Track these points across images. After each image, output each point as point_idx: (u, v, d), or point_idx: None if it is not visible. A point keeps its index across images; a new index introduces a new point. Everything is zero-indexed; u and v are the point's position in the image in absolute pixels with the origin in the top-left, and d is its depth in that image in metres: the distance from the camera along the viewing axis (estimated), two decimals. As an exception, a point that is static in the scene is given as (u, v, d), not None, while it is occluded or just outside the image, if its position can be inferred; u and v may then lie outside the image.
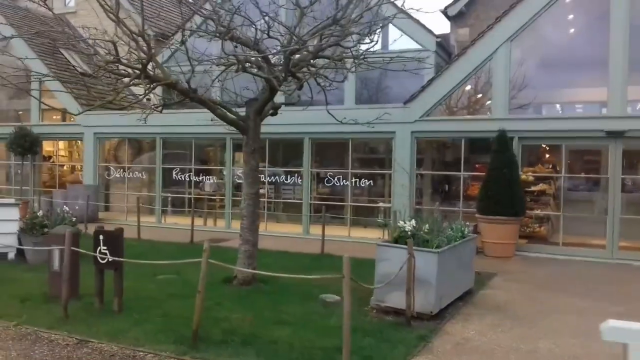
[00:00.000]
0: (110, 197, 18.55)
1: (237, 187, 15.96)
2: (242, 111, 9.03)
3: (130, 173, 17.60)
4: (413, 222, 7.49)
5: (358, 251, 12.14)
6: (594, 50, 12.35)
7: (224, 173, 16.33)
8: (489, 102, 13.44)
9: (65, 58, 19.75)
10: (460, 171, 13.61)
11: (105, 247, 6.76)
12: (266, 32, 7.81)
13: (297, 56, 8.15)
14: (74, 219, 10.43)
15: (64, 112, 17.75)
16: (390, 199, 14.23)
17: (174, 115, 16.81)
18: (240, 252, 8.45)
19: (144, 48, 7.51)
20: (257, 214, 8.71)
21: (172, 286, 8.40)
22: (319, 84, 8.74)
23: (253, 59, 8.15)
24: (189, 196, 16.61)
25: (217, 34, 7.61)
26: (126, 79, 8.09)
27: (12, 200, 11.09)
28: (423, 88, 13.72)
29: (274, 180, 16.15)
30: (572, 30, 13.01)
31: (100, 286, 6.95)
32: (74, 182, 19.08)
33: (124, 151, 18.04)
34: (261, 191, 16.06)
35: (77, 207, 15.55)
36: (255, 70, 8.20)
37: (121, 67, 8.27)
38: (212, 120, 8.74)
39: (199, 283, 5.87)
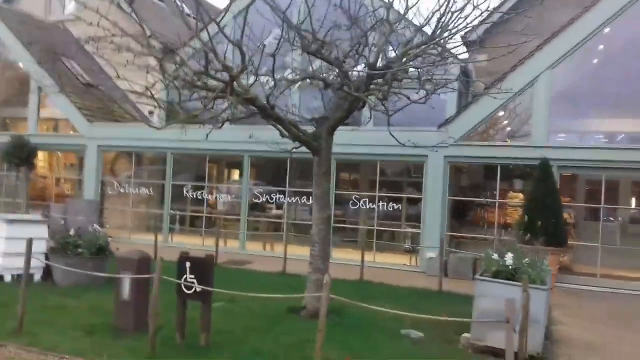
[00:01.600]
0: (111, 213, 17.55)
1: (252, 207, 15.31)
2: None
3: (136, 188, 16.69)
4: (511, 255, 7.03)
5: (395, 278, 11.70)
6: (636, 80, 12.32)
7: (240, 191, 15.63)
8: (523, 128, 13.25)
9: (66, 66, 18.77)
10: (495, 198, 13.31)
11: (192, 276, 6.06)
12: (355, 49, 7.32)
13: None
14: (109, 238, 9.60)
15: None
16: (419, 223, 13.82)
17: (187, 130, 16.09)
18: (310, 281, 7.84)
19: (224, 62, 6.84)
20: (329, 240, 8.12)
21: (234, 316, 7.72)
22: (383, 104, 8.24)
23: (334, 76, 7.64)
24: (202, 215, 15.83)
25: (311, 49, 7.05)
26: (207, 93, 7.35)
27: (38, 217, 10.18)
28: (458, 112, 13.43)
29: (293, 202, 15.52)
30: (613, 60, 12.95)
31: (183, 319, 6.23)
32: (60, 196, 18.14)
33: (128, 165, 17.15)
34: (279, 212, 15.60)
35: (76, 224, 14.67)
36: (343, 88, 7.60)
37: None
38: (281, 136, 8.09)
39: (320, 321, 5.24)
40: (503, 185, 13.42)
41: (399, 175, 16.11)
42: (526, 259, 7.05)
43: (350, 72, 7.62)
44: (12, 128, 18.75)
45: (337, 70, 7.62)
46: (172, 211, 16.16)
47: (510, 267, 6.89)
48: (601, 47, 12.79)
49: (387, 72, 7.28)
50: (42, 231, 9.39)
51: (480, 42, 18.35)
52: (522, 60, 12.93)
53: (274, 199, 15.37)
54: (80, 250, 9.12)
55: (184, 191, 16.21)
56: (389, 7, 7.32)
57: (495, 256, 7.15)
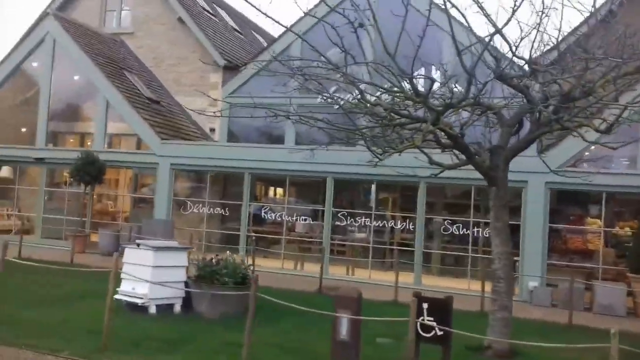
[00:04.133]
0: (184, 234, 17.09)
1: (334, 230, 14.95)
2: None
3: (211, 209, 16.28)
4: None
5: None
6: None
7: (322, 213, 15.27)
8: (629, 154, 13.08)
9: (131, 82, 18.39)
10: (600, 227, 13.10)
11: (430, 318, 5.73)
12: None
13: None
14: (251, 267, 9.21)
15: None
16: (519, 250, 13.54)
17: (264, 150, 15.80)
18: (496, 319, 7.51)
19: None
20: (513, 276, 7.80)
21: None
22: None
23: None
24: (283, 237, 15.47)
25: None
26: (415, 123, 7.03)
27: (174, 243, 9.76)
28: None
29: (381, 226, 15.18)
30: None
31: (417, 363, 5.88)
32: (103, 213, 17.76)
33: (203, 184, 16.75)
34: (363, 235, 15.26)
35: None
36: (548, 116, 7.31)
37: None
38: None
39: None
40: (608, 213, 13.19)
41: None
42: None
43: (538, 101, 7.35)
44: (76, 144, 18.30)
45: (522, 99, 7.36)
46: (251, 234, 15.73)
47: None
48: None
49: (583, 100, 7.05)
50: (183, 259, 9.00)
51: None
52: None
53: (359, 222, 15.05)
54: (226, 279, 8.73)
55: (262, 212, 15.85)
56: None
57: None
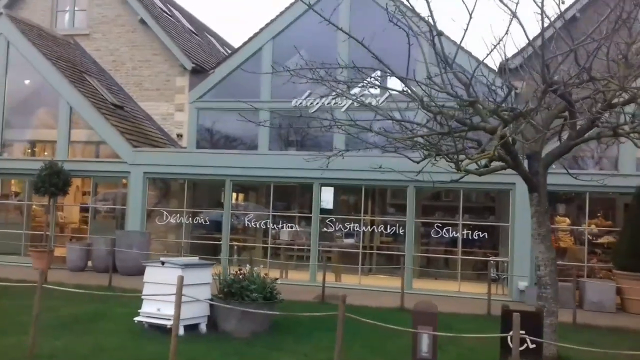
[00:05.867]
0: (161, 245, 16.33)
1: (322, 237, 14.72)
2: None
3: (189, 218, 15.61)
4: None
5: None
6: None
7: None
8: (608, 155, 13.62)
9: (94, 86, 17.35)
10: (584, 225, 13.60)
11: (522, 331, 5.64)
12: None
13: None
14: (277, 281, 8.82)
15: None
16: (505, 250, 13.86)
17: (245, 157, 15.35)
18: (546, 325, 7.54)
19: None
20: (557, 282, 7.84)
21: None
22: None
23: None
24: (268, 245, 15.07)
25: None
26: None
27: (195, 260, 9.18)
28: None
29: (371, 231, 15.10)
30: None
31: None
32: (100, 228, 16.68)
33: (179, 193, 16.04)
34: (352, 241, 15.11)
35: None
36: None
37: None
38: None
39: None
40: (591, 213, 13.72)
41: (482, 202, 16.14)
42: None
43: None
44: (39, 153, 17.06)
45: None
46: (233, 243, 15.23)
47: None
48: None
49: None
50: (208, 275, 8.50)
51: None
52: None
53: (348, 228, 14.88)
54: (255, 295, 8.32)
55: (246, 220, 15.39)
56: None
57: None
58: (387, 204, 17.15)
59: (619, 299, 12.56)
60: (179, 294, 6.13)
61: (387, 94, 14.17)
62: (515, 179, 13.34)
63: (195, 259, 9.17)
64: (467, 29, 6.37)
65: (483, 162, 7.12)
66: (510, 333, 5.66)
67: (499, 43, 6.31)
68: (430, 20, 6.56)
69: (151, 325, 8.21)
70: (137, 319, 8.29)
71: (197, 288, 8.25)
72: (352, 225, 14.70)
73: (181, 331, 8.07)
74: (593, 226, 14.34)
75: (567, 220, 14.60)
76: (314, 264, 14.36)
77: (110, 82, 18.84)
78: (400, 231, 14.35)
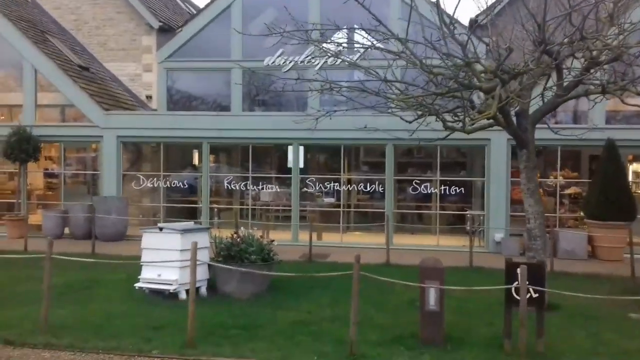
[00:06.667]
0: (139, 210, 16.20)
1: (302, 197, 14.86)
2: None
3: (167, 182, 15.47)
4: None
5: (489, 262, 12.03)
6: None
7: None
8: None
9: (57, 47, 16.72)
10: (556, 178, 14.14)
11: (527, 283, 5.95)
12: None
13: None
14: (273, 243, 8.95)
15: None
16: (479, 204, 14.35)
17: (223, 118, 15.23)
18: (536, 274, 7.94)
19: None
20: (546, 233, 8.23)
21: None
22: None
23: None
24: (247, 207, 15.14)
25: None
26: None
27: (192, 224, 9.19)
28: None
29: (350, 189, 15.33)
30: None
31: (511, 326, 6.11)
32: (73, 194, 16.38)
33: (156, 157, 15.83)
34: (332, 200, 15.32)
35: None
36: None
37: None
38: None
39: None
40: (562, 166, 14.26)
41: (453, 157, 16.47)
42: None
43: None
44: (6, 119, 16.46)
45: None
46: (213, 206, 15.23)
47: None
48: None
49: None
50: (206, 239, 8.56)
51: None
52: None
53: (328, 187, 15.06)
54: (254, 257, 8.45)
55: (225, 183, 15.39)
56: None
57: None
58: (362, 162, 17.36)
59: (590, 247, 13.21)
60: (194, 259, 6.21)
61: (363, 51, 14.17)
62: (490, 134, 13.77)
63: (191, 224, 9.19)
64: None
65: (485, 122, 7.32)
66: (516, 284, 5.98)
67: None
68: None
69: (152, 290, 8.26)
70: (137, 285, 8.33)
71: (197, 252, 8.30)
72: (332, 184, 14.88)
73: (183, 295, 8.19)
74: (560, 178, 14.93)
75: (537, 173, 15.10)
76: (296, 224, 14.54)
77: (72, 42, 18.19)
78: (380, 189, 14.61)
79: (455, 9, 6.62)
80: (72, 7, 18.60)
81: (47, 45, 16.21)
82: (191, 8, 25.34)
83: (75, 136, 15.75)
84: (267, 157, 16.86)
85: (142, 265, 8.32)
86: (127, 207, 14.82)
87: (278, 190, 15.39)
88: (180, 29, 17.44)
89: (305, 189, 14.89)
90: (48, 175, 17.70)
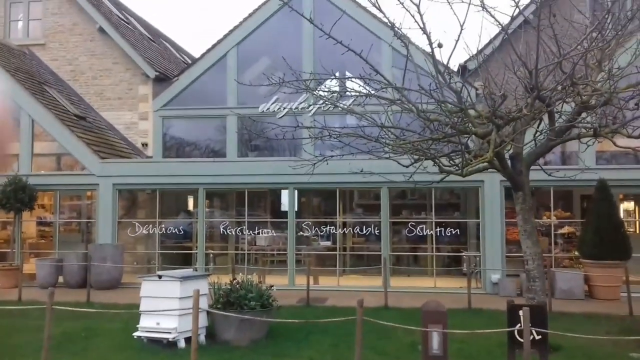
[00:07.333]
0: (135, 257, 16.11)
1: (298, 240, 14.87)
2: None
3: (162, 229, 15.46)
4: None
5: (485, 303, 11.97)
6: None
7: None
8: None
9: (54, 97, 16.93)
10: (550, 218, 14.26)
11: (529, 325, 5.98)
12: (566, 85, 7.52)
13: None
14: (272, 288, 8.94)
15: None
16: (474, 245, 14.41)
17: (219, 164, 15.37)
18: (535, 315, 7.96)
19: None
20: (544, 274, 8.29)
21: None
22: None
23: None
24: (243, 252, 15.13)
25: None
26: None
27: (191, 271, 9.18)
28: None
29: (346, 232, 15.39)
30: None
31: (515, 368, 6.11)
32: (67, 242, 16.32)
33: (152, 204, 15.86)
34: (328, 243, 15.35)
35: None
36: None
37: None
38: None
39: None
40: (555, 206, 14.41)
41: (446, 199, 16.61)
42: None
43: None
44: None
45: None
46: (209, 251, 15.20)
47: None
48: None
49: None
50: (205, 286, 8.53)
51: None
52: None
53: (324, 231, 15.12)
54: (253, 304, 8.42)
55: (220, 228, 15.39)
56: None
57: None
58: (357, 205, 17.46)
59: (587, 287, 13.24)
60: (196, 307, 6.19)
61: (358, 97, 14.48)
62: (484, 176, 13.95)
63: (190, 271, 9.19)
64: (458, 40, 6.67)
65: (481, 165, 7.47)
66: (519, 326, 6.01)
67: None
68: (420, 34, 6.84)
69: (150, 339, 8.18)
70: (136, 334, 8.25)
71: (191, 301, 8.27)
72: (327, 227, 14.94)
73: (182, 344, 8.12)
74: (554, 218, 15.06)
75: (548, 214, 15.15)
76: (292, 268, 14.51)
77: (69, 92, 18.42)
78: (375, 231, 14.67)
79: (449, 60, 6.79)
80: (69, 58, 18.89)
81: (44, 95, 16.42)
82: (186, 58, 25.85)
83: (71, 184, 15.80)
84: (262, 201, 16.94)
85: (140, 313, 8.26)
86: (122, 255, 14.76)
87: (274, 234, 15.39)
88: (176, 78, 17.72)
89: (301, 232, 14.92)
90: (41, 223, 17.66)
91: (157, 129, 17.27)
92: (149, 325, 8.16)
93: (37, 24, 19.24)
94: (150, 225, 15.45)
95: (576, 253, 13.91)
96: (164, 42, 25.27)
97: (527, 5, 11.85)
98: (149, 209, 16.07)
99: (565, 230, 15.29)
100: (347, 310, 10.58)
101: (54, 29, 18.95)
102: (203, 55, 17.36)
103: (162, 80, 18.42)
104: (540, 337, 6.00)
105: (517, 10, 6.47)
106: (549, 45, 7.09)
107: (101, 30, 18.48)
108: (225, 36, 17.04)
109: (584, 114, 7.83)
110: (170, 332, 8.01)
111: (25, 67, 17.29)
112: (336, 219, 14.95)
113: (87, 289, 12.70)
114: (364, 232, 15.07)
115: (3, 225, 16.92)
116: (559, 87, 7.07)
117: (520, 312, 5.96)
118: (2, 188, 14.72)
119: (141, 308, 8.29)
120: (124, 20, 20.77)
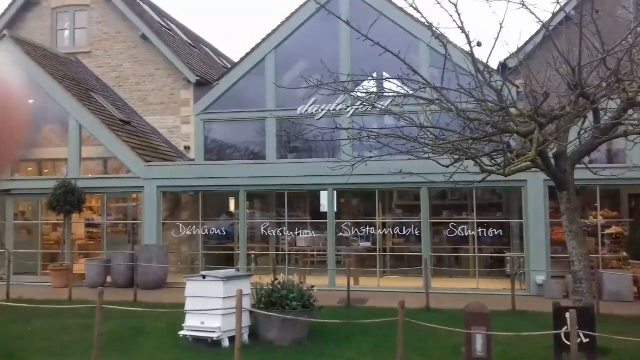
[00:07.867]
0: (179, 258, 16.47)
1: (339, 241, 14.91)
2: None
3: (205, 230, 15.75)
4: None
5: (533, 305, 11.79)
6: None
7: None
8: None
9: (100, 103, 17.45)
10: (596, 218, 13.92)
11: (575, 327, 5.88)
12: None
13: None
14: (313, 289, 9.01)
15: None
16: (517, 246, 14.17)
17: (259, 166, 15.55)
18: (582, 317, 7.80)
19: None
20: (591, 276, 8.13)
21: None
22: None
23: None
24: (284, 252, 15.27)
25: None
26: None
27: (234, 271, 9.36)
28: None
29: (385, 233, 15.36)
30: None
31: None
32: (115, 244, 16.79)
33: (194, 206, 16.17)
34: (368, 244, 15.33)
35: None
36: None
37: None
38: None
39: None
40: (602, 205, 14.05)
41: (487, 199, 16.40)
42: None
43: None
44: (50, 172, 17.13)
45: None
46: (250, 252, 15.41)
47: None
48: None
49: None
50: (247, 286, 8.67)
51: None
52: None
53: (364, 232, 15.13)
54: (295, 304, 8.51)
55: (261, 229, 15.57)
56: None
57: None
58: (396, 206, 17.40)
59: (636, 288, 12.87)
60: (240, 307, 6.31)
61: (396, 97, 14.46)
62: (526, 176, 13.71)
63: (232, 271, 9.35)
64: (497, 38, 6.61)
65: (523, 165, 7.38)
66: (565, 329, 5.91)
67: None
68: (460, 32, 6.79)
69: (195, 338, 8.36)
70: (181, 333, 8.45)
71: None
72: (367, 228, 14.94)
73: (226, 343, 8.27)
74: (601, 218, 14.68)
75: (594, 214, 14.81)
76: (333, 269, 14.56)
77: (114, 98, 18.95)
78: (416, 232, 14.58)
79: (489, 58, 6.73)
80: (113, 65, 19.43)
81: (91, 101, 16.94)
82: (226, 62, 26.24)
83: (117, 187, 16.25)
84: (301, 202, 17.05)
85: (185, 313, 8.45)
86: (167, 255, 15.11)
87: (314, 235, 15.48)
88: (216, 83, 18.02)
89: (340, 233, 14.97)
90: (90, 225, 18.22)
91: (199, 133, 17.58)
92: (193, 324, 8.35)
93: (82, 32, 19.85)
94: (194, 227, 15.76)
95: (624, 254, 13.53)
96: (204, 47, 25.72)
97: (569, 2, 11.67)
98: (192, 211, 16.38)
99: (612, 230, 14.87)
100: (388, 312, 10.56)
101: (99, 37, 19.53)
102: (242, 59, 17.60)
103: (203, 84, 18.76)
104: (588, 340, 5.89)
105: (558, 7, 6.37)
106: (592, 42, 6.95)
107: (144, 37, 18.94)
108: (264, 40, 17.23)
109: (630, 111, 7.63)
110: (214, 332, 8.17)
111: (72, 75, 17.88)
112: (376, 219, 14.92)
113: (134, 289, 13.04)
114: (404, 232, 14.98)
115: (54, 227, 17.52)
116: (604, 84, 6.90)
117: (567, 315, 5.85)
118: (52, 191, 15.24)
119: (186, 307, 8.48)
120: (165, 27, 21.24)
